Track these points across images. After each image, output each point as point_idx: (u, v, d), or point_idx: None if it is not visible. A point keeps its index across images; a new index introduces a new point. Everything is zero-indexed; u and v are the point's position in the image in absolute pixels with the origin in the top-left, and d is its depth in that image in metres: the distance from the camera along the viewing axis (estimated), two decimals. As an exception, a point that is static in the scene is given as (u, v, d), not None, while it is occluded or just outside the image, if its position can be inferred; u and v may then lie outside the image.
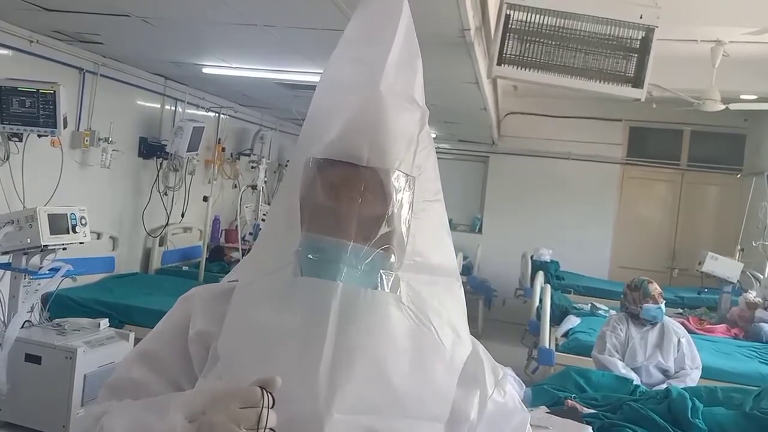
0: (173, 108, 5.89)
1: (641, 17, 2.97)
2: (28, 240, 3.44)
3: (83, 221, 3.72)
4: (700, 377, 3.77)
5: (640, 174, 8.21)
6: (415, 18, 0.97)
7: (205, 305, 0.94)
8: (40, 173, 4.23)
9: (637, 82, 3.03)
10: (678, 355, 3.74)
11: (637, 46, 3.00)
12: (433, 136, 1.14)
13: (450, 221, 1.00)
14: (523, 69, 3.03)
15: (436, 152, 0.96)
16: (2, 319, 3.48)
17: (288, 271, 0.85)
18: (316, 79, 0.97)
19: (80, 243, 3.75)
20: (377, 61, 0.88)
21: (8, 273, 3.54)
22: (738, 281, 6.08)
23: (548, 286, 4.96)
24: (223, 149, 6.73)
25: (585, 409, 2.94)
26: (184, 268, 6.11)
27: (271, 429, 0.73)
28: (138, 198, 5.55)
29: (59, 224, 3.57)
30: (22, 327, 3.43)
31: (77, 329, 3.63)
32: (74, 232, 3.64)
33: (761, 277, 6.25)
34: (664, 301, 3.85)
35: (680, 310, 6.08)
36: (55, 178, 4.31)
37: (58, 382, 3.35)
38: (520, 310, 6.91)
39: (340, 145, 0.85)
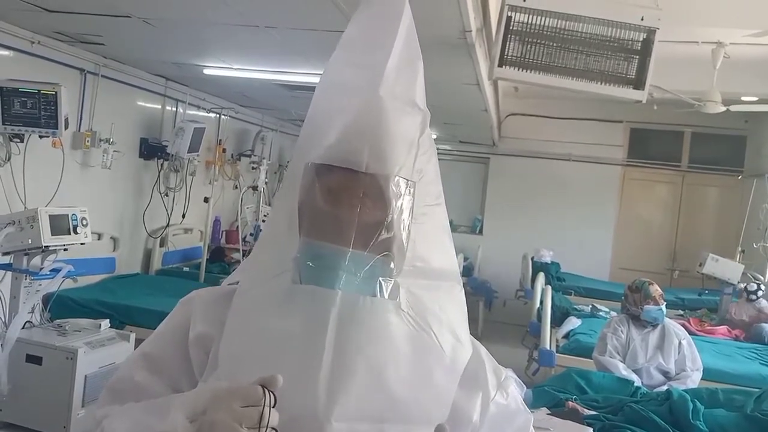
0: (174, 109, 5.89)
1: (642, 19, 2.97)
2: (29, 241, 3.44)
3: (84, 222, 3.72)
4: (701, 379, 3.77)
5: (640, 175, 8.20)
6: (416, 19, 0.95)
7: (206, 308, 0.94)
8: (41, 174, 4.24)
9: (638, 83, 3.03)
10: (679, 357, 3.74)
11: (639, 47, 3.00)
12: (434, 137, 1.13)
13: (450, 222, 0.99)
14: (525, 71, 3.03)
15: (437, 153, 0.95)
16: (3, 320, 3.48)
17: (287, 278, 0.85)
18: (316, 80, 0.95)
19: (81, 244, 3.75)
20: (377, 65, 0.87)
21: (9, 274, 3.55)
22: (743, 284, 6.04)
23: (549, 288, 4.95)
24: (224, 150, 6.74)
25: (586, 410, 2.93)
26: (185, 269, 6.11)
27: (273, 428, 0.72)
28: (139, 199, 5.55)
29: (60, 225, 3.57)
30: (23, 328, 3.43)
31: (78, 330, 3.63)
32: (75, 232, 3.64)
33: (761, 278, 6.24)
34: (665, 303, 3.85)
35: (681, 312, 6.08)
36: (56, 178, 4.32)
37: (58, 383, 3.34)
38: (520, 312, 6.91)
39: (339, 150, 0.84)
